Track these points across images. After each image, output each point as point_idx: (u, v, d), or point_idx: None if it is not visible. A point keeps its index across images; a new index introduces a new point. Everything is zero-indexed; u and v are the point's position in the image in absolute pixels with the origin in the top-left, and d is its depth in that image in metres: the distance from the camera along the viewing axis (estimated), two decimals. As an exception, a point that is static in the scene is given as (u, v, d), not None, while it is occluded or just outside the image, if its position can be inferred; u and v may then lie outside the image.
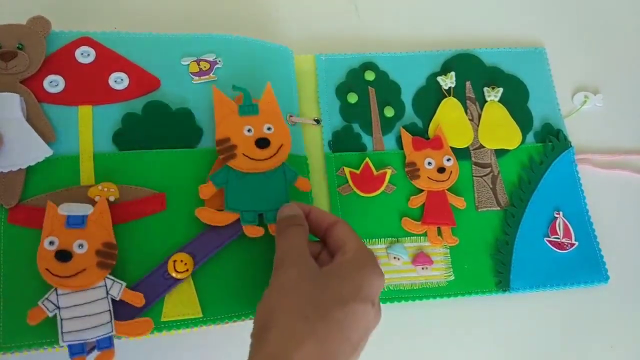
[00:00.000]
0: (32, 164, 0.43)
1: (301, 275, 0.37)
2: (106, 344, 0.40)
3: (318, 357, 0.33)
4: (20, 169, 0.43)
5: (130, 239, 0.44)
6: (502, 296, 0.51)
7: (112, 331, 0.40)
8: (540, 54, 0.62)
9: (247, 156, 0.45)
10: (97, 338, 0.40)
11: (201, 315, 0.43)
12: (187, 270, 0.43)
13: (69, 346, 0.39)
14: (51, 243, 0.40)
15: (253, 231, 0.44)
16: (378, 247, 0.51)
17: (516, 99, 0.58)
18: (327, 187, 0.52)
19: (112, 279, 0.41)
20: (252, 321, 0.43)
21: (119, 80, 0.48)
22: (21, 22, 0.47)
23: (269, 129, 0.46)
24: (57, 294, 0.40)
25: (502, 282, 0.51)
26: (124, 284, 0.41)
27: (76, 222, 0.41)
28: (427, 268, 0.50)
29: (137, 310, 0.42)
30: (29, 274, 0.41)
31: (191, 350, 0.47)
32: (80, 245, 0.41)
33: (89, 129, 0.46)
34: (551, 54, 0.62)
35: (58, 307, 0.40)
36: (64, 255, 0.40)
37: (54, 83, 0.46)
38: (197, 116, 0.49)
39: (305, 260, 0.38)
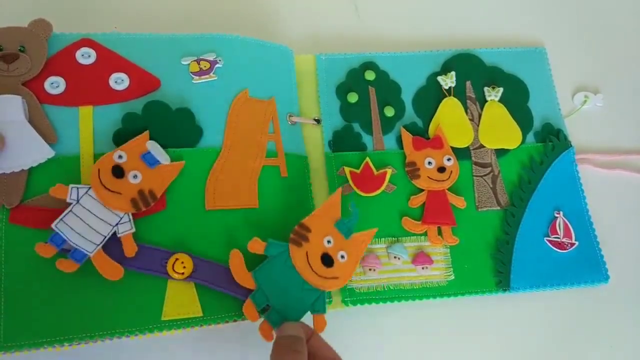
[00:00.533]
0: (34, 165, 0.44)
1: None
2: (78, 257, 0.41)
3: None
4: (22, 170, 0.43)
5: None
6: (503, 296, 0.51)
7: (91, 253, 0.41)
8: (540, 53, 0.62)
9: (307, 258, 0.44)
10: (77, 247, 0.41)
11: (201, 314, 0.43)
12: (183, 274, 0.43)
13: (53, 234, 0.41)
14: (120, 157, 0.44)
15: (250, 312, 0.43)
16: (378, 247, 0.51)
17: (516, 99, 0.58)
18: (327, 187, 0.52)
19: (130, 219, 0.43)
20: (251, 323, 0.44)
21: (119, 81, 0.48)
22: (22, 25, 0.47)
23: (342, 257, 0.45)
24: (87, 192, 0.42)
25: (503, 281, 0.51)
26: (133, 229, 0.43)
27: (149, 160, 0.44)
28: (427, 268, 0.51)
29: (123, 260, 0.43)
30: (31, 274, 0.41)
31: (191, 350, 0.47)
32: (135, 176, 0.43)
33: (89, 129, 0.46)
34: (551, 54, 0.62)
35: (77, 200, 0.42)
36: (118, 172, 0.43)
37: (54, 84, 0.46)
38: (198, 116, 0.49)
39: None
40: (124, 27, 0.52)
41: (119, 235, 0.42)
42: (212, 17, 0.60)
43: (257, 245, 0.44)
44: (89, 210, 0.42)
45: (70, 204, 0.42)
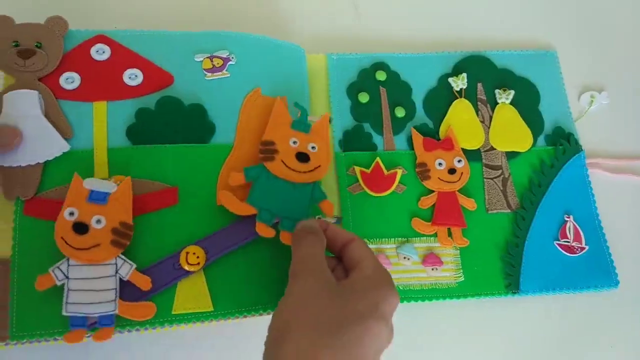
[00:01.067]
0: (50, 158, 0.44)
1: (318, 287, 0.36)
2: (107, 322, 0.41)
3: None
4: (37, 163, 0.44)
5: (142, 232, 0.44)
6: (512, 298, 0.51)
7: (114, 310, 0.41)
8: (551, 57, 0.62)
9: (284, 163, 0.46)
10: (99, 314, 0.40)
11: (212, 309, 0.44)
12: (199, 263, 0.43)
13: (71, 317, 0.40)
14: (71, 214, 0.41)
15: (265, 231, 0.44)
16: (388, 247, 0.51)
17: (527, 102, 0.58)
18: (337, 186, 0.52)
19: (124, 259, 0.42)
20: (262, 317, 0.44)
21: (133, 77, 0.48)
22: (39, 22, 0.47)
23: (313, 147, 0.48)
24: (68, 264, 0.41)
25: (512, 284, 0.51)
26: (134, 265, 0.42)
27: (98, 198, 0.42)
28: (437, 269, 0.50)
29: (143, 294, 0.42)
30: (44, 266, 0.41)
31: (201, 345, 0.47)
32: (98, 221, 0.42)
33: (103, 124, 0.46)
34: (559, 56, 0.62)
35: (67, 277, 0.40)
36: (81, 228, 0.41)
37: (69, 80, 0.47)
38: (210, 112, 0.49)
39: (322, 271, 0.37)
40: (136, 25, 0.52)
41: (125, 280, 0.42)
42: (222, 15, 0.60)
43: (236, 177, 0.46)
44: (84, 278, 0.41)
45: (63, 284, 0.40)
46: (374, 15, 0.64)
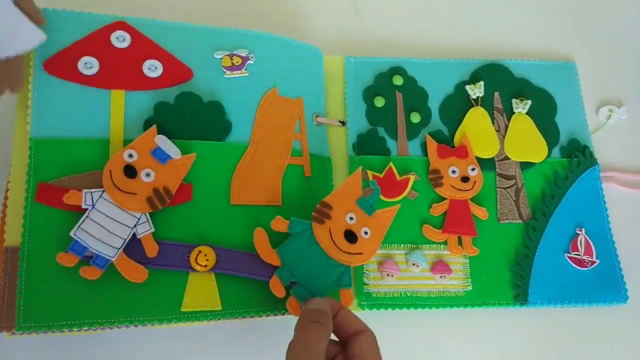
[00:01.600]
0: (29, 49, 0.42)
1: None
2: (100, 263, 0.41)
3: None
4: (17, 55, 0.41)
5: (154, 227, 0.43)
6: (520, 309, 0.51)
7: (113, 256, 0.41)
8: (570, 68, 0.61)
9: (330, 235, 0.45)
10: (99, 253, 0.41)
11: (220, 308, 0.43)
12: (206, 266, 0.43)
13: (73, 242, 0.41)
14: (130, 156, 0.43)
15: (277, 288, 0.43)
16: (397, 253, 0.51)
17: (544, 113, 0.58)
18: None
19: (148, 219, 0.42)
20: (269, 317, 0.44)
21: (152, 68, 0.47)
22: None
23: (366, 233, 0.46)
24: (101, 196, 0.41)
25: (520, 295, 0.51)
26: (152, 229, 0.43)
27: (160, 156, 0.43)
28: (445, 277, 0.50)
29: (145, 260, 0.42)
30: (53, 255, 0.41)
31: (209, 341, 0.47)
32: (148, 174, 0.43)
33: (120, 114, 0.46)
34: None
35: (93, 205, 0.41)
36: (131, 171, 0.42)
37: (88, 64, 0.46)
38: (228, 110, 0.49)
39: None
40: (153, 16, 0.51)
41: (138, 236, 0.42)
42: (240, 13, 0.60)
43: (280, 224, 0.44)
44: (106, 214, 0.41)
45: (86, 209, 0.41)
46: (392, 20, 0.64)
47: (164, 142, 0.44)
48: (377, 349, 0.39)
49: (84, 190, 0.41)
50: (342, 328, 0.40)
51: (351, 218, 0.46)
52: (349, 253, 0.45)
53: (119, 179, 0.42)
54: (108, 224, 0.41)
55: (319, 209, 0.45)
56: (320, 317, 0.39)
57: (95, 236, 0.41)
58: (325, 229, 0.45)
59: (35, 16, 0.43)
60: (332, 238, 0.45)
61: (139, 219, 0.42)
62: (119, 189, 0.42)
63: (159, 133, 0.45)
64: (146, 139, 0.44)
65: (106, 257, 0.41)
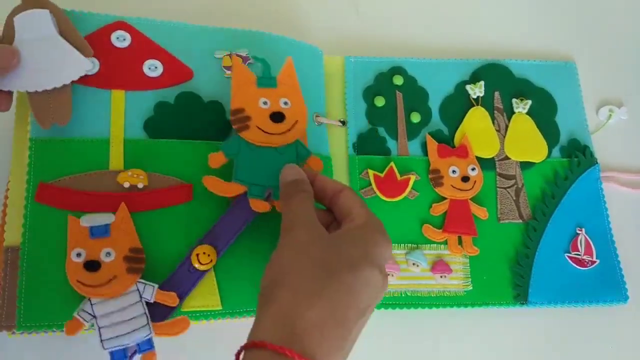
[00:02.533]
0: (75, 78, 0.43)
1: (311, 238, 0.36)
2: (147, 346, 0.40)
3: (328, 318, 0.32)
4: (64, 85, 0.42)
5: (156, 227, 0.44)
6: (520, 309, 0.51)
7: (150, 333, 0.40)
8: (570, 68, 0.61)
9: (260, 129, 0.44)
10: (137, 342, 0.40)
11: (220, 307, 0.43)
12: (211, 261, 0.43)
13: (112, 353, 0.40)
14: (78, 255, 0.41)
15: (259, 205, 0.43)
16: (397, 253, 0.51)
17: (544, 112, 0.58)
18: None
19: (144, 283, 0.41)
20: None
21: (152, 68, 0.47)
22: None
23: (285, 103, 0.45)
24: (91, 304, 0.40)
25: (521, 295, 0.51)
26: (156, 285, 0.41)
27: (100, 232, 0.41)
28: (445, 276, 0.50)
29: (170, 308, 0.42)
30: (53, 255, 0.41)
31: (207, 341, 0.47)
32: (108, 254, 0.41)
33: (120, 113, 0.46)
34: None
35: (94, 316, 0.40)
36: (92, 265, 0.40)
37: None
38: (228, 109, 0.48)
39: (313, 224, 0.37)
40: (154, 16, 0.51)
41: (152, 301, 0.41)
42: (237, 13, 0.60)
43: (215, 157, 0.43)
44: (111, 311, 0.40)
45: (92, 324, 0.40)
46: (392, 20, 0.64)
47: (90, 220, 0.42)
48: (360, 198, 0.40)
49: (74, 315, 0.39)
50: (323, 192, 0.41)
51: (265, 102, 0.45)
52: (287, 131, 0.44)
53: (89, 279, 0.40)
54: (121, 317, 0.40)
55: (234, 119, 0.44)
56: (300, 186, 0.40)
57: (122, 334, 0.40)
58: (253, 129, 0.44)
59: (81, 46, 0.44)
60: (264, 131, 0.44)
61: (139, 289, 0.41)
62: (98, 286, 0.40)
63: (158, 133, 0.45)
64: (76, 231, 0.41)
65: (145, 337, 0.40)
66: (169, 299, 0.42)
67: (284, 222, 0.38)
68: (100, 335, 0.39)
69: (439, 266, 0.50)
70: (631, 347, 0.52)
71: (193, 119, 0.47)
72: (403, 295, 0.49)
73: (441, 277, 0.50)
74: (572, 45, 0.64)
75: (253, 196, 0.43)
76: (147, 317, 0.40)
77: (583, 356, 0.51)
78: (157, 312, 0.41)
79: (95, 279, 0.40)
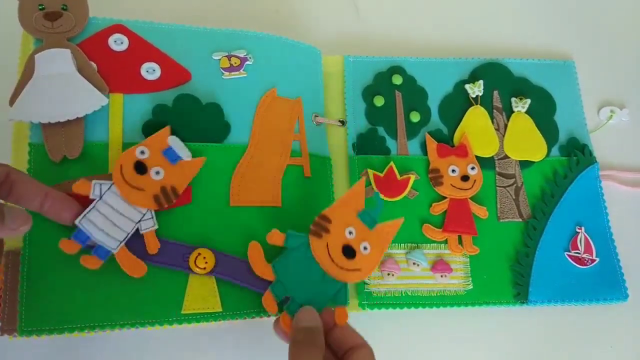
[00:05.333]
0: (90, 112, 0.44)
1: None
2: (101, 254, 0.41)
3: None
4: (78, 118, 0.43)
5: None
6: (520, 308, 0.51)
7: (115, 249, 0.41)
8: (569, 67, 0.61)
9: (327, 249, 0.43)
10: (101, 243, 0.41)
11: (221, 309, 0.43)
12: (205, 268, 0.43)
13: (77, 230, 0.41)
14: (142, 152, 0.43)
15: (269, 304, 0.43)
16: (397, 252, 0.51)
17: (543, 111, 0.58)
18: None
19: (153, 216, 0.43)
20: (270, 318, 0.44)
21: (150, 71, 0.47)
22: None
23: (365, 248, 0.44)
24: (109, 188, 0.42)
25: (521, 294, 0.51)
26: (156, 226, 0.43)
27: (170, 156, 0.44)
28: (446, 276, 0.50)
29: (145, 256, 0.43)
30: (54, 260, 0.41)
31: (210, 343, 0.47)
32: (157, 172, 0.43)
33: (119, 117, 0.46)
34: (577, 67, 0.61)
35: (101, 197, 0.41)
36: (140, 168, 0.42)
37: None
38: (227, 111, 0.49)
39: None
40: (151, 19, 0.51)
41: (141, 232, 0.42)
42: (236, 13, 0.60)
43: (276, 237, 0.43)
44: (112, 207, 0.42)
45: (93, 199, 0.41)
46: (391, 20, 0.64)
47: (176, 143, 0.44)
48: None
49: (94, 181, 0.41)
50: (339, 343, 0.40)
51: (350, 232, 0.43)
52: (346, 269, 0.43)
53: (129, 174, 0.42)
54: (113, 217, 0.41)
55: (317, 222, 0.43)
56: (311, 337, 0.38)
57: (100, 227, 0.41)
58: (322, 243, 0.43)
59: (97, 83, 0.45)
60: (329, 253, 0.43)
61: (144, 214, 0.42)
62: (127, 183, 0.42)
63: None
64: (159, 138, 0.44)
65: (108, 248, 0.41)
66: (152, 244, 0.43)
67: None
68: (88, 212, 0.41)
69: (439, 265, 0.51)
70: (631, 345, 0.52)
71: (192, 121, 0.47)
72: (403, 294, 0.49)
73: (441, 276, 0.50)
74: (572, 45, 0.64)
75: (273, 292, 0.43)
76: (126, 237, 0.42)
77: (583, 355, 0.51)
78: (134, 247, 0.42)
79: (131, 177, 0.42)
